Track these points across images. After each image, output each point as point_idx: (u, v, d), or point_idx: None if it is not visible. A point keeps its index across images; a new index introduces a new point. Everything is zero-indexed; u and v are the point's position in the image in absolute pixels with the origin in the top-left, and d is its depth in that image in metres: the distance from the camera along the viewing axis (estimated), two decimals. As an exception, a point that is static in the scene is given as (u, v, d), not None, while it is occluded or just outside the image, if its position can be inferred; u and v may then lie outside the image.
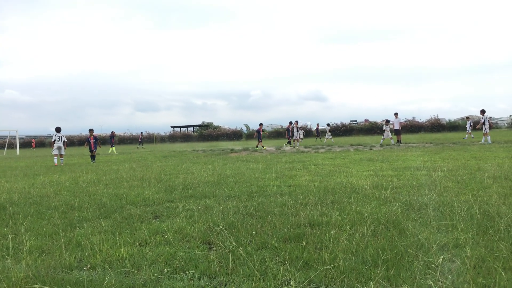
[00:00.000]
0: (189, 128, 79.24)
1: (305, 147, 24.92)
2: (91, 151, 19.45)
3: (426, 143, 23.08)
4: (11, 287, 3.06)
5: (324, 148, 22.47)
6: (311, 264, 3.36)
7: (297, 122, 27.21)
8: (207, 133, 68.19)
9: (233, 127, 68.96)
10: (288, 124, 26.85)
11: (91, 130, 20.04)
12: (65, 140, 18.75)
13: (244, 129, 69.23)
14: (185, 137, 68.69)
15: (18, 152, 40.83)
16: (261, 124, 25.79)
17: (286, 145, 25.81)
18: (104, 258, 3.68)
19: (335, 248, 3.70)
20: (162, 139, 69.88)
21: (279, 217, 5.01)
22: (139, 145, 47.55)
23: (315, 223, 4.64)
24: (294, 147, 24.46)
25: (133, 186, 8.67)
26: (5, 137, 55.81)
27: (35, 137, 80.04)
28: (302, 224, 4.65)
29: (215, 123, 77.05)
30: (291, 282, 2.99)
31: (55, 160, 17.89)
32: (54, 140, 18.28)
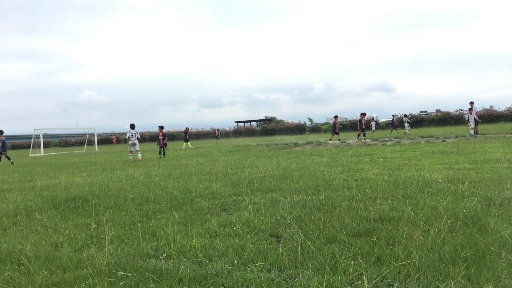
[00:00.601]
0: (252, 123, 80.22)
1: (372, 139, 24.14)
2: (160, 147, 19.75)
3: (506, 133, 21.30)
4: (95, 273, 3.31)
5: (392, 140, 21.61)
6: (384, 260, 3.26)
7: (364, 114, 26.26)
8: (270, 127, 68.55)
9: (296, 121, 68.66)
10: (360, 115, 25.87)
11: (160, 127, 20.57)
12: (138, 136, 19.28)
13: (308, 122, 68.64)
14: (248, 132, 69.66)
15: (96, 148, 44.02)
16: (336, 117, 24.96)
17: (358, 138, 24.90)
18: (178, 248, 3.85)
19: (409, 244, 3.54)
20: (226, 134, 71.50)
21: (347, 211, 4.90)
22: (217, 139, 49.24)
23: (386, 218, 4.48)
24: (360, 140, 23.76)
25: (201, 179, 8.97)
26: (85, 134, 60.36)
27: (114, 133, 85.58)
28: (371, 218, 4.52)
29: (278, 117, 77.19)
30: (363, 277, 2.92)
31: (130, 157, 18.59)
32: (129, 137, 18.94)
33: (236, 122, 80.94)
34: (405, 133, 32.98)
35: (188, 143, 32.96)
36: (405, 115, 39.43)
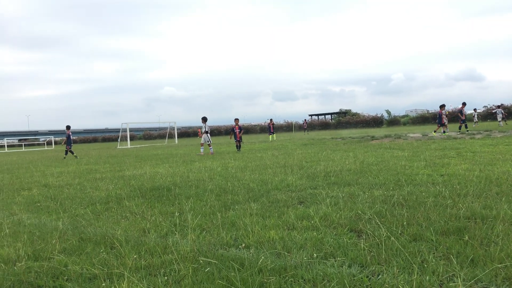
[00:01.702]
0: (326, 116, 78.91)
1: (458, 133, 22.48)
2: (236, 140, 19.40)
3: None
4: (180, 258, 3.46)
5: (481, 133, 19.93)
6: (477, 261, 3.00)
7: (443, 106, 24.25)
8: (345, 120, 66.93)
9: (372, 114, 66.22)
10: (439, 108, 24.00)
11: (236, 120, 20.15)
12: (206, 130, 19.00)
13: (385, 115, 65.83)
14: (323, 125, 68.66)
15: (176, 141, 46.35)
16: (442, 106, 23.06)
17: (460, 130, 22.82)
18: (257, 239, 3.89)
19: (506, 246, 3.22)
20: (300, 127, 71.17)
21: (433, 208, 4.60)
22: (305, 131, 49.43)
23: (479, 217, 4.12)
24: (443, 132, 22.15)
25: (276, 172, 9.00)
26: (166, 128, 63.79)
27: (199, 127, 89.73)
28: (462, 216, 4.18)
29: (353, 110, 75.09)
30: (455, 279, 2.71)
31: (201, 150, 18.55)
32: (206, 131, 18.82)
33: (309, 115, 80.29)
34: (474, 125, 30.35)
35: (274, 135, 32.47)
36: (498, 106, 36.19)
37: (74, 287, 2.99)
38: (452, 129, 25.93)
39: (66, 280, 3.18)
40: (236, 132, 19.44)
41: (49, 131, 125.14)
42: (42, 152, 39.80)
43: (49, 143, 72.68)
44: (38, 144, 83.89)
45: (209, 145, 18.57)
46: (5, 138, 76.20)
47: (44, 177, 11.16)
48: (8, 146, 69.50)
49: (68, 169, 13.82)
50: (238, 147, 19.36)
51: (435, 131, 22.62)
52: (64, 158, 21.76)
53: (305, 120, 57.34)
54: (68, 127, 22.74)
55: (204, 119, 18.91)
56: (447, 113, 23.56)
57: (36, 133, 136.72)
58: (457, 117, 27.34)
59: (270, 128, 33.13)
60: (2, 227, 4.95)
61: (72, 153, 22.77)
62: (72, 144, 22.87)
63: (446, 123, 23.06)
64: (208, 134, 18.85)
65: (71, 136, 22.75)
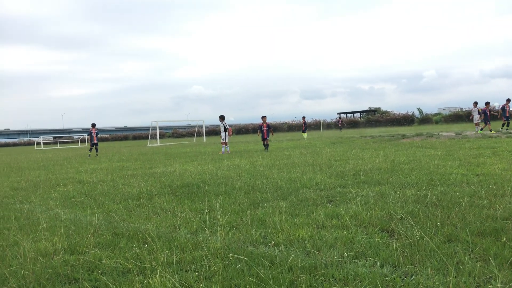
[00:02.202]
0: (355, 114, 77.77)
1: (494, 131, 21.68)
2: (264, 139, 18.43)
3: None
4: (210, 254, 3.49)
5: (518, 132, 19.13)
6: (517, 265, 2.88)
7: (476, 103, 23.30)
8: (374, 118, 65.72)
9: (403, 112, 64.72)
10: (484, 105, 22.98)
11: (264, 117, 18.88)
12: (226, 127, 18.66)
13: (417, 113, 64.20)
14: (351, 123, 67.65)
15: (205, 139, 46.84)
16: (487, 103, 22.36)
17: (502, 128, 21.69)
18: (286, 237, 3.88)
19: (549, 249, 3.09)
20: (328, 125, 70.47)
21: (468, 208, 4.46)
22: (340, 130, 49.03)
23: (517, 218, 3.96)
24: (477, 132, 21.35)
25: (305, 171, 8.95)
26: (194, 126, 64.57)
27: (231, 125, 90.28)
28: (499, 217, 4.04)
29: (383, 108, 73.62)
30: (493, 281, 2.61)
31: (222, 149, 18.18)
32: (226, 129, 18.52)
33: (338, 113, 79.28)
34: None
35: (305, 134, 32.02)
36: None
37: (108, 281, 3.07)
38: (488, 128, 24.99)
39: (101, 273, 3.27)
40: (264, 130, 18.41)
41: (82, 129, 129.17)
42: (76, 150, 41.11)
43: (82, 141, 74.99)
44: (72, 142, 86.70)
45: (225, 143, 18.23)
46: (41, 136, 79.16)
47: (78, 174, 11.53)
48: (43, 143, 72.19)
49: (101, 166, 14.22)
50: (266, 146, 18.33)
51: (491, 130, 21.59)
52: (96, 155, 22.33)
53: (340, 118, 56.81)
54: (93, 125, 23.34)
55: (222, 118, 18.77)
56: (479, 110, 22.71)
57: (70, 131, 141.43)
58: (495, 115, 26.31)
59: (304, 125, 33.03)
60: (40, 222, 5.15)
61: (90, 150, 23.14)
62: (96, 142, 23.06)
63: (478, 122, 22.25)
64: (226, 133, 18.54)
65: (92, 134, 23.30)
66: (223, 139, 18.56)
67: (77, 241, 4.15)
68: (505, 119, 21.96)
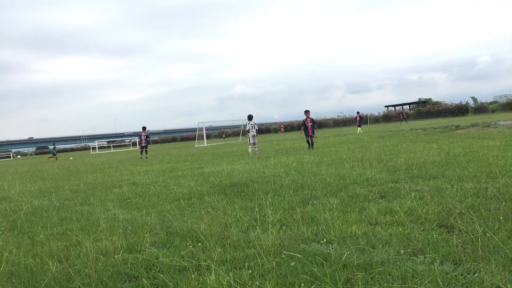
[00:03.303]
0: (404, 106, 75.14)
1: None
2: (308, 136, 16.61)
3: None
4: (263, 252, 3.51)
5: None
6: None
7: None
8: (425, 110, 63.17)
9: (456, 102, 61.69)
10: None
11: (307, 112, 16.92)
12: (257, 128, 17.63)
13: (471, 102, 60.94)
14: (400, 116, 65.45)
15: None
16: None
17: None
18: (338, 234, 3.82)
19: None
20: (376, 119, 68.59)
21: (535, 201, 4.17)
22: (401, 121, 47.88)
23: None
24: None
25: (354, 166, 8.77)
26: (239, 125, 65.25)
27: (282, 122, 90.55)
28: None
29: (434, 99, 70.58)
30: None
31: (249, 150, 17.10)
32: (248, 129, 17.31)
33: (385, 106, 77.00)
34: None
35: (360, 128, 31.86)
36: None
37: (166, 278, 3.17)
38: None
39: (159, 271, 3.38)
40: (308, 126, 16.47)
41: (133, 132, 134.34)
42: (128, 153, 42.87)
43: (134, 144, 78.03)
44: (124, 145, 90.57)
45: (254, 144, 17.30)
46: (96, 141, 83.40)
47: (132, 176, 12.01)
48: (98, 147, 75.91)
49: (153, 167, 14.72)
50: (311, 144, 16.57)
51: None
52: (146, 157, 23.14)
53: (403, 110, 55.41)
54: (143, 128, 24.15)
55: (249, 117, 17.71)
56: None
57: (122, 135, 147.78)
58: None
59: (357, 120, 32.78)
60: (99, 222, 5.42)
61: (141, 153, 23.86)
62: (145, 145, 23.68)
63: None
64: (252, 133, 17.35)
65: (141, 136, 23.99)
66: (251, 141, 17.37)
67: (134, 240, 4.32)
68: None
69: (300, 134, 18.31)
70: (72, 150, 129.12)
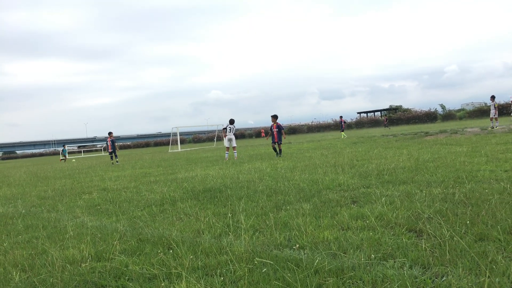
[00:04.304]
0: (376, 113, 76.76)
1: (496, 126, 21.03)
2: (274, 142, 15.77)
3: None
4: (235, 259, 3.48)
5: (547, 125, 18.50)
6: (555, 263, 2.76)
7: (493, 97, 22.13)
8: (396, 117, 64.70)
9: (425, 109, 63.52)
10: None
11: (274, 117, 15.83)
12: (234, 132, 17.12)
13: (440, 109, 62.89)
14: (372, 122, 66.81)
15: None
16: (492, 97, 21.39)
17: None
18: (311, 240, 3.84)
19: None
20: (348, 125, 69.70)
21: (499, 205, 4.31)
22: (385, 127, 48.89)
23: (552, 215, 3.81)
24: (493, 127, 20.49)
25: (327, 172, 8.86)
26: (214, 131, 65.00)
27: (264, 127, 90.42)
28: (532, 214, 3.88)
29: (404, 106, 72.44)
30: (530, 282, 2.51)
31: (226, 155, 16.67)
32: (226, 132, 16.85)
33: (358, 113, 78.44)
34: None
35: (343, 133, 32.76)
36: None
37: (135, 287, 3.09)
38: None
39: (128, 279, 3.29)
40: (274, 132, 15.55)
41: (105, 137, 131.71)
42: (99, 158, 41.92)
43: (105, 149, 76.41)
44: (96, 150, 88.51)
45: (233, 148, 16.90)
46: (66, 145, 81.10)
47: (102, 181, 11.73)
48: (68, 152, 73.91)
49: (124, 173, 14.43)
50: (278, 151, 15.64)
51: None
52: (117, 162, 22.84)
53: (385, 116, 56.96)
54: (110, 133, 24.06)
55: (231, 121, 17.11)
56: (496, 105, 21.96)
57: (93, 139, 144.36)
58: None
59: (342, 125, 33.84)
60: (67, 230, 5.25)
61: (111, 158, 23.85)
62: (112, 150, 23.62)
63: (495, 116, 21.51)
64: (229, 137, 16.85)
65: (108, 142, 23.96)
66: (226, 145, 17.00)
67: (103, 248, 4.20)
68: None
69: (266, 141, 17.60)
70: (41, 155, 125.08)
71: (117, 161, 23.10)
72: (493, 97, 22.26)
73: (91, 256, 4.01)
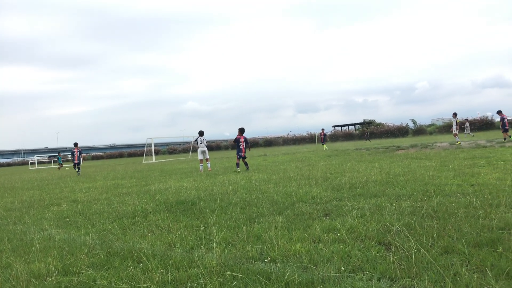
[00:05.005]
0: (350, 127, 78.12)
1: (488, 141, 21.84)
2: (239, 155, 15.26)
3: None
4: (206, 272, 3.45)
5: None
6: (514, 275, 2.87)
7: (455, 114, 23.10)
8: (369, 130, 66.04)
9: (397, 123, 65.15)
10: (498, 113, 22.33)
11: (240, 129, 15.57)
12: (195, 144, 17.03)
13: (411, 124, 64.61)
14: (346, 136, 67.92)
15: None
16: (499, 112, 21.83)
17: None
18: (282, 252, 3.85)
19: (545, 258, 3.08)
20: (324, 138, 70.47)
21: (464, 219, 4.46)
22: (366, 140, 49.71)
23: (513, 228, 3.96)
24: (458, 143, 21.22)
25: (301, 184, 8.94)
26: (189, 142, 64.59)
27: (226, 140, 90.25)
28: (495, 227, 4.04)
29: (378, 120, 74.07)
30: (491, 293, 2.60)
31: (201, 167, 16.64)
32: (198, 144, 16.91)
33: (333, 126, 79.63)
34: (466, 135, 28.01)
35: (325, 145, 33.52)
36: (467, 119, 35.73)
37: (102, 302, 3.02)
38: (481, 137, 25.17)
39: (95, 294, 3.21)
40: (242, 145, 15.22)
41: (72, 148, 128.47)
42: (70, 168, 40.84)
43: (72, 160, 74.64)
44: (67, 160, 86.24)
45: (206, 160, 16.94)
46: (36, 156, 78.70)
47: (72, 193, 11.43)
48: (38, 163, 71.75)
49: (96, 184, 14.12)
50: (243, 165, 15.40)
51: (505, 138, 21.23)
52: (79, 174, 22.79)
53: (366, 130, 58.44)
54: (75, 144, 23.89)
55: (200, 133, 17.08)
56: (458, 121, 22.86)
57: (64, 149, 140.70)
58: (486, 124, 26.45)
59: (321, 138, 34.73)
60: (33, 243, 5.08)
61: (75, 168, 23.81)
62: (78, 162, 23.60)
63: (457, 133, 22.37)
64: (201, 149, 16.88)
65: (75, 153, 23.79)
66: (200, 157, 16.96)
67: (71, 262, 4.09)
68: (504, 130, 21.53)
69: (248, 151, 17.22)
70: (9, 165, 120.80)
71: (78, 173, 23.08)
72: (455, 114, 23.15)
73: (58, 270, 3.89)
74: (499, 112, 22.40)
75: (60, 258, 4.27)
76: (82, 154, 24.07)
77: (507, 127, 21.27)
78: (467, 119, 37.73)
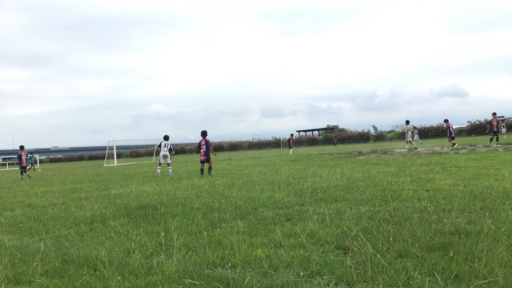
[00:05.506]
0: (314, 132, 79.43)
1: (443, 147, 22.82)
2: (201, 161, 14.86)
3: None
4: (164, 280, 3.40)
5: (465, 148, 20.25)
6: (462, 277, 3.01)
7: (408, 121, 24.06)
8: (332, 136, 67.41)
9: (359, 129, 66.91)
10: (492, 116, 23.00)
11: (203, 133, 14.98)
12: (171, 148, 17.05)
13: (372, 130, 66.50)
14: (310, 141, 68.98)
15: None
16: (494, 114, 22.31)
17: (490, 143, 21.78)
18: (243, 258, 3.86)
19: (491, 261, 3.25)
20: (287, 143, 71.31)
21: (419, 224, 4.63)
22: (334, 145, 50.19)
23: (463, 232, 4.16)
24: (409, 150, 22.16)
25: (264, 189, 8.98)
26: (153, 145, 63.40)
27: (191, 144, 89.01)
28: (447, 232, 4.22)
29: (341, 126, 75.78)
30: (440, 296, 2.71)
31: (158, 170, 16.65)
32: (161, 148, 16.88)
33: (297, 131, 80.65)
34: (414, 142, 28.77)
35: (291, 150, 34.53)
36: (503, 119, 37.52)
37: (55, 312, 2.91)
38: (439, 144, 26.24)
39: (47, 304, 3.09)
40: (202, 148, 14.80)
41: (34, 149, 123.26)
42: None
43: (19, 163, 71.50)
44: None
45: (168, 165, 17.05)
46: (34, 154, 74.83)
47: (27, 197, 10.95)
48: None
49: (53, 188, 13.59)
50: (208, 169, 14.79)
51: (490, 141, 22.03)
52: (29, 176, 22.14)
53: (334, 134, 59.27)
54: (21, 147, 23.38)
55: (166, 137, 17.03)
56: (411, 129, 23.96)
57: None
58: (443, 132, 27.71)
59: (290, 142, 36.02)
60: (-18, 250, 4.82)
61: (21, 173, 23.29)
62: (25, 165, 23.31)
63: (410, 140, 23.45)
64: (163, 153, 16.90)
65: (22, 157, 23.23)
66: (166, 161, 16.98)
67: (22, 270, 3.92)
68: (492, 133, 22.23)
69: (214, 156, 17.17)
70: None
71: (28, 175, 22.75)
72: (407, 122, 24.14)
73: (8, 278, 3.72)
74: (446, 121, 23.60)
75: (11, 266, 4.08)
76: (30, 158, 23.62)
77: (453, 135, 22.39)
78: (415, 127, 39.66)
